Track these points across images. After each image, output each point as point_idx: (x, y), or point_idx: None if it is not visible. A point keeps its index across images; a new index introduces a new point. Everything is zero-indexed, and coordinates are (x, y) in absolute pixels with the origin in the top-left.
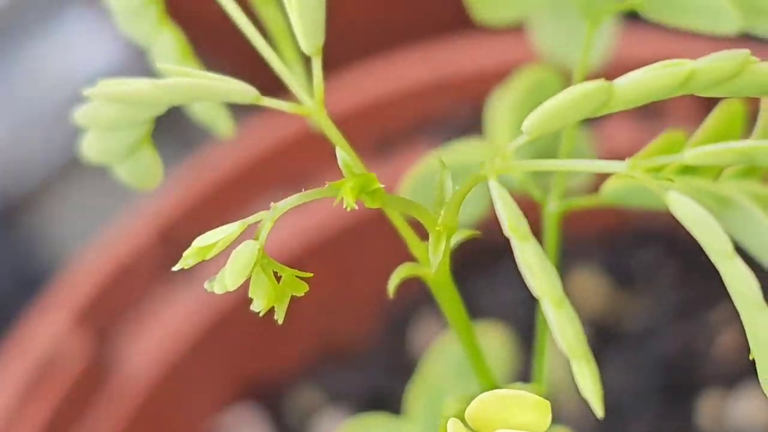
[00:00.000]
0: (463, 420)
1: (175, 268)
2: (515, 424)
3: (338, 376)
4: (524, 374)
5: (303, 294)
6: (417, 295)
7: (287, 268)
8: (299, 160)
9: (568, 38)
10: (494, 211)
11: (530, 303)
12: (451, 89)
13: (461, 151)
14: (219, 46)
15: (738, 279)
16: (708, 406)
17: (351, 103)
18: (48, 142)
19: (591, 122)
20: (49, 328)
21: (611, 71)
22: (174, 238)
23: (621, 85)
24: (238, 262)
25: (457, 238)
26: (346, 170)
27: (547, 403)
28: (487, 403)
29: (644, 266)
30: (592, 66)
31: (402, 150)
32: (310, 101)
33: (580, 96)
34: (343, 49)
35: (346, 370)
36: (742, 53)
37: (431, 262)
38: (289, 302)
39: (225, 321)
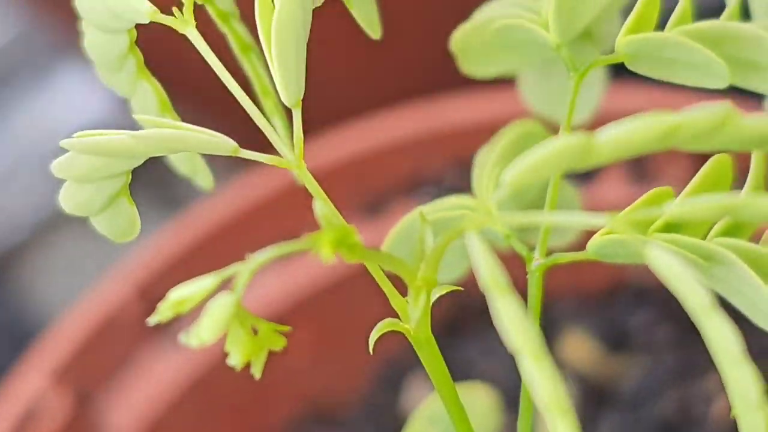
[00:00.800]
0: None
1: (150, 321)
2: None
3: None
4: None
5: (291, 352)
6: (411, 353)
7: (265, 321)
8: (286, 217)
9: (555, 91)
10: None
11: None
12: (443, 146)
13: (445, 206)
14: (202, 99)
15: (718, 334)
16: None
17: (339, 159)
18: (35, 195)
19: (585, 183)
20: (30, 386)
21: (602, 124)
22: (156, 294)
23: (602, 139)
24: (214, 315)
25: (437, 294)
26: (324, 223)
27: None
28: None
29: (640, 327)
30: (582, 119)
31: (392, 208)
32: (290, 154)
33: (560, 149)
34: (332, 106)
35: None
36: (725, 106)
37: (410, 317)
38: (277, 361)
39: (209, 380)
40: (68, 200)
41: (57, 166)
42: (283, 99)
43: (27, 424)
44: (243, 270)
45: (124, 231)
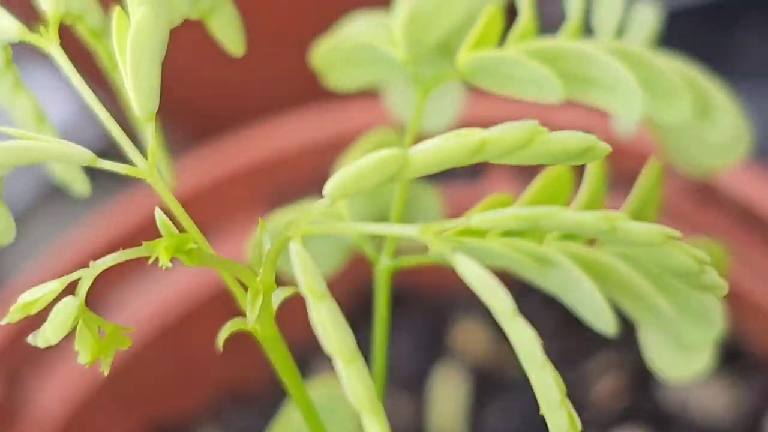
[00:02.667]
0: None
1: (2, 322)
2: None
3: (239, 416)
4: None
5: (208, 341)
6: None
7: (110, 323)
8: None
9: (408, 103)
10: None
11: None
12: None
13: (292, 214)
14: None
15: (521, 339)
16: None
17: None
18: None
19: (474, 180)
20: None
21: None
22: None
23: (417, 153)
24: (58, 317)
25: (280, 295)
26: (164, 230)
27: None
28: None
29: (527, 316)
30: (440, 127)
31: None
32: (142, 164)
33: (377, 162)
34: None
35: (247, 412)
36: (532, 124)
37: (248, 316)
38: (194, 348)
39: (133, 364)
40: None
41: None
42: (136, 113)
43: None
44: (85, 275)
45: (2, 233)
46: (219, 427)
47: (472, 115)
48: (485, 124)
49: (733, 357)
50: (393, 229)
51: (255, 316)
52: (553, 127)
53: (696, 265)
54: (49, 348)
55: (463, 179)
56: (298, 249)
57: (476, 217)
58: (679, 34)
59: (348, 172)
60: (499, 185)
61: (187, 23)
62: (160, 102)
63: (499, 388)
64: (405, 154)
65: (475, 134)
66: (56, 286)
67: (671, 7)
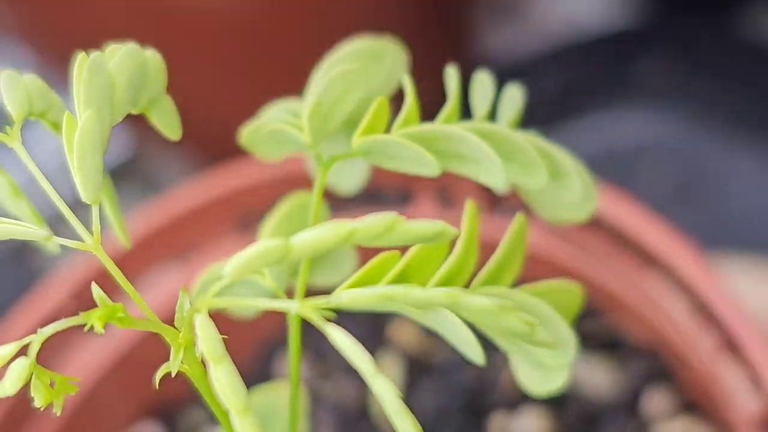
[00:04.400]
0: None
1: None
2: None
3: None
4: None
5: None
6: (279, 333)
7: (59, 375)
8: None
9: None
10: None
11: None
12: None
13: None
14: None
15: (381, 391)
16: (497, 423)
17: (200, 197)
18: None
19: (402, 206)
20: None
21: None
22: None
23: (298, 242)
24: (13, 375)
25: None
26: (99, 302)
27: None
28: None
29: None
30: (350, 190)
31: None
32: (90, 239)
33: (264, 251)
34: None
35: None
36: (392, 215)
37: (172, 365)
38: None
39: (131, 356)
40: None
41: None
42: (82, 197)
43: None
44: (35, 339)
45: None
46: (202, 407)
47: None
48: None
49: (614, 346)
50: (277, 304)
51: (177, 365)
52: None
53: (527, 328)
54: (60, 348)
55: (394, 204)
56: (201, 321)
57: (344, 295)
58: (585, 65)
59: (242, 258)
60: (425, 210)
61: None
62: (183, 124)
63: (427, 371)
64: (287, 244)
65: (346, 225)
66: (11, 349)
67: (577, 41)
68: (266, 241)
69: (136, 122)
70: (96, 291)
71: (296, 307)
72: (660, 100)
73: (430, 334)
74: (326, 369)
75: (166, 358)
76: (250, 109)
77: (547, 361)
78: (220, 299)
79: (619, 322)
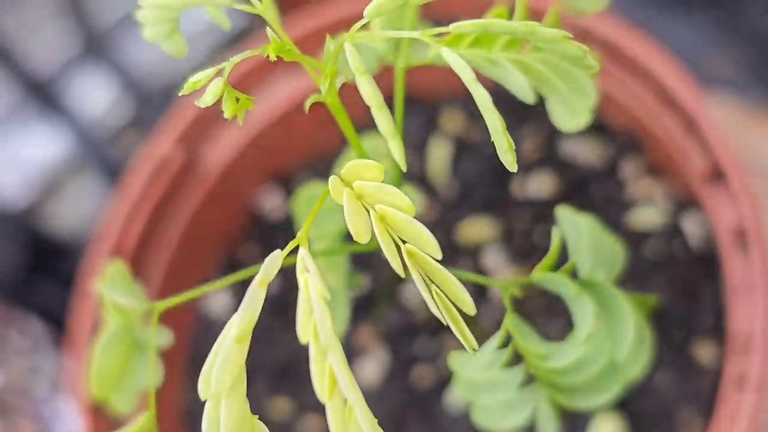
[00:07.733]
0: (340, 177)
1: (181, 93)
2: (364, 178)
3: (324, 169)
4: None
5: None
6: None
7: (242, 93)
8: None
9: None
10: None
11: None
12: None
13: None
14: None
15: (478, 95)
16: (517, 183)
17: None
18: None
19: None
20: (161, 147)
21: None
22: None
23: None
24: (212, 89)
25: (340, 79)
26: (271, 38)
27: (381, 167)
28: (350, 167)
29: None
30: None
31: None
32: (260, 5)
33: None
34: None
35: (329, 166)
36: None
37: (322, 90)
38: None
39: (260, 137)
40: (147, 34)
41: (140, 16)
42: None
43: (162, 165)
44: (227, 65)
45: (178, 51)
46: (313, 174)
47: None
48: None
49: (601, 128)
50: (404, 33)
51: (326, 89)
52: None
53: (581, 51)
54: (213, 126)
55: None
56: (350, 47)
57: (452, 26)
58: None
59: (375, 3)
60: None
61: None
62: None
63: (468, 148)
64: None
65: None
66: (211, 71)
67: None
68: None
69: None
70: (269, 32)
71: (419, 35)
72: None
73: (471, 122)
74: None
75: (285, 140)
76: None
77: (575, 105)
78: (360, 33)
79: (606, 113)
